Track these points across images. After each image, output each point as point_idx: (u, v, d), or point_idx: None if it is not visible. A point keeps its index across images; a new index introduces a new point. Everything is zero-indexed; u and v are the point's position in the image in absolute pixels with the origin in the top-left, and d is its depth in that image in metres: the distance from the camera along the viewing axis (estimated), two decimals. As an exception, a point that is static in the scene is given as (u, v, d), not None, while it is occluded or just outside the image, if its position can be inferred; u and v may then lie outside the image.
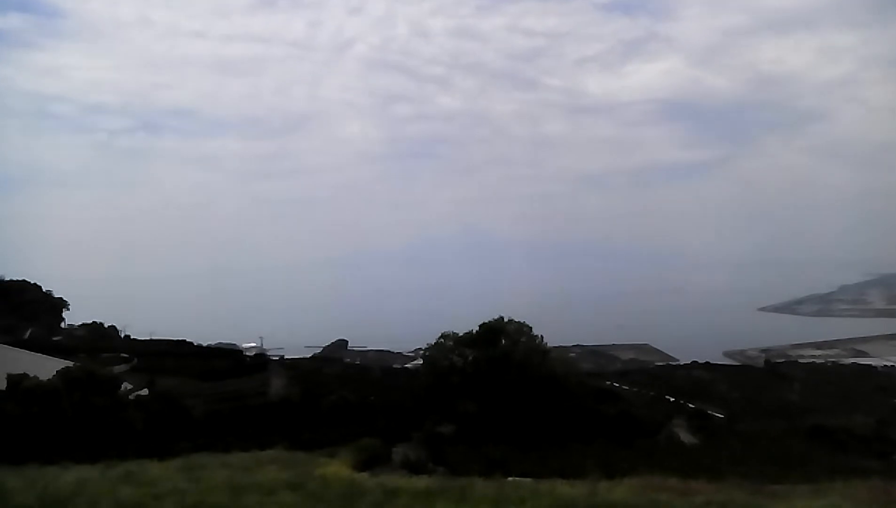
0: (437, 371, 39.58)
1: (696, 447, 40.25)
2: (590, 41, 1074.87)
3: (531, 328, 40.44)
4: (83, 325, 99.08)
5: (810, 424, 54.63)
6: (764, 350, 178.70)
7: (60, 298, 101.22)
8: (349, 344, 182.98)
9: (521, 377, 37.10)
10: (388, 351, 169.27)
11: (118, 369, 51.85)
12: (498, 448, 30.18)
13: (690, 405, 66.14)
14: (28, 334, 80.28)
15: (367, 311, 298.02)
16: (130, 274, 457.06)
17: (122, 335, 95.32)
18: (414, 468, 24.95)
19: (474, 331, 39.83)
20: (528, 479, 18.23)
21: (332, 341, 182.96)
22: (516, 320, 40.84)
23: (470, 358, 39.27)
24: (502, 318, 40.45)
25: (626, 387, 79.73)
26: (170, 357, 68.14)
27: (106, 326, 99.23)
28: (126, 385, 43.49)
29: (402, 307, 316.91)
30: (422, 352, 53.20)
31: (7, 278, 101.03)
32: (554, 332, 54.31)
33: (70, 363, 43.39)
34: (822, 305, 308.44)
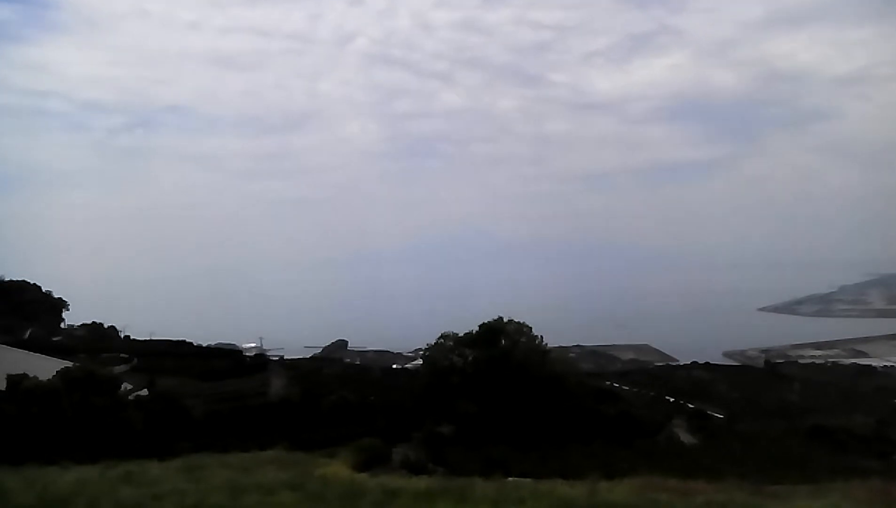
0: (437, 371, 39.59)
1: (695, 447, 40.27)
2: (598, 35, 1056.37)
3: (531, 328, 40.46)
4: (83, 325, 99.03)
5: (810, 424, 54.66)
6: (764, 351, 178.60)
7: (60, 298, 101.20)
8: (349, 344, 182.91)
9: (520, 378, 37.10)
10: (388, 351, 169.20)
11: (118, 369, 51.82)
12: (498, 448, 30.20)
13: (690, 406, 66.16)
14: (28, 334, 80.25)
15: (367, 311, 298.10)
16: (130, 274, 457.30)
17: (122, 336, 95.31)
18: (414, 468, 24.95)
19: (474, 331, 39.82)
20: (528, 479, 18.23)
21: (332, 341, 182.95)
22: (516, 320, 40.83)
23: (470, 358, 39.29)
24: (502, 318, 40.45)
25: (626, 387, 79.72)
26: (170, 357, 68.10)
27: (106, 326, 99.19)
28: (126, 386, 43.48)
29: (402, 307, 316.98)
30: (422, 352, 53.21)
31: (7, 279, 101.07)
32: (554, 332, 54.32)
33: (70, 364, 43.38)
34: (822, 305, 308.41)
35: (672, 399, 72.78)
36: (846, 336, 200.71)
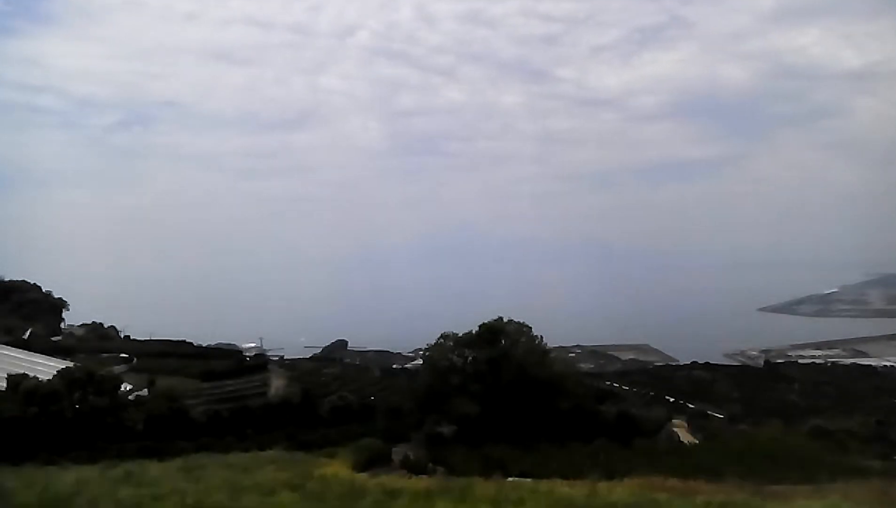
0: (437, 372, 39.51)
1: (695, 447, 40.24)
2: (608, 27, 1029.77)
3: (531, 328, 40.36)
4: (83, 325, 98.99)
5: (810, 424, 54.66)
6: (764, 351, 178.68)
7: (60, 298, 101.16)
8: (349, 345, 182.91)
9: (520, 378, 37.06)
10: (388, 351, 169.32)
11: (118, 369, 51.78)
12: (498, 448, 30.15)
13: (690, 406, 66.22)
14: (28, 334, 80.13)
15: (366, 311, 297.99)
16: (130, 274, 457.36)
17: (122, 336, 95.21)
18: (414, 468, 24.92)
19: (474, 331, 39.77)
20: (528, 479, 18.25)
21: (332, 341, 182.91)
22: (516, 320, 40.78)
23: (470, 358, 39.20)
24: (502, 318, 40.40)
25: (626, 387, 79.86)
26: (169, 358, 68.02)
27: (105, 326, 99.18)
28: (126, 386, 43.48)
29: (402, 307, 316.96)
30: (421, 352, 53.19)
31: (7, 279, 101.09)
32: (554, 332, 54.24)
33: (70, 364, 43.43)
34: (822, 305, 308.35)
35: (672, 399, 72.88)
36: (846, 336, 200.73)
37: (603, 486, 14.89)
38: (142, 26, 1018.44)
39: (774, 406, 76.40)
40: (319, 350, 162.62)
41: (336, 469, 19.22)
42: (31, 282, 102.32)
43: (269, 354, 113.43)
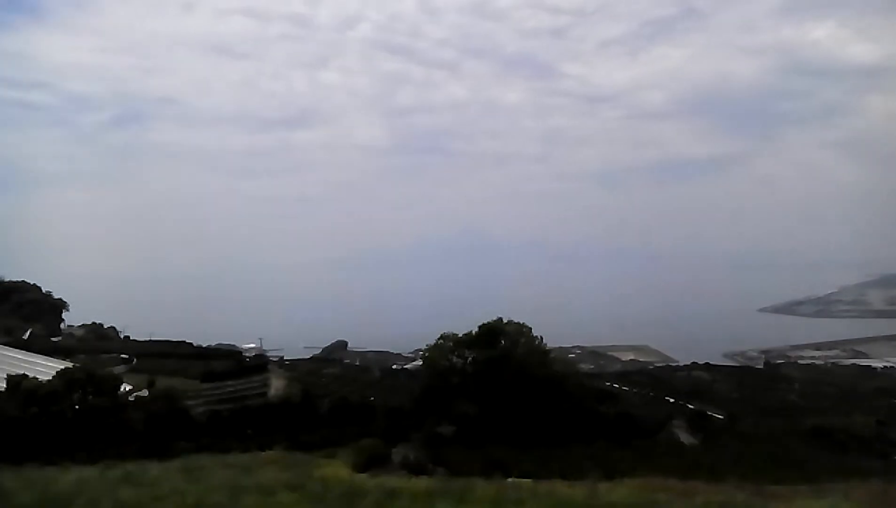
0: (437, 372, 39.56)
1: (695, 447, 40.27)
2: (618, 20, 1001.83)
3: (531, 328, 40.39)
4: (83, 326, 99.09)
5: (810, 424, 54.70)
6: (764, 351, 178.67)
7: (60, 299, 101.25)
8: (349, 345, 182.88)
9: (520, 378, 37.08)
10: (388, 352, 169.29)
11: (118, 370, 51.86)
12: (498, 448, 30.18)
13: (690, 406, 66.16)
14: (28, 334, 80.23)
15: (366, 312, 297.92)
16: (129, 274, 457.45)
17: (122, 336, 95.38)
18: (414, 468, 24.95)
19: (474, 332, 39.79)
20: (528, 480, 18.24)
21: (332, 341, 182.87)
22: (516, 320, 40.80)
23: (469, 359, 39.25)
24: (501, 319, 40.42)
25: (626, 388, 79.83)
26: (169, 358, 68.15)
27: (105, 327, 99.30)
28: (126, 386, 43.51)
29: (402, 308, 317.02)
30: (421, 353, 53.20)
31: (7, 279, 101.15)
32: (554, 333, 54.25)
33: (70, 364, 43.47)
34: (822, 306, 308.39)
35: (672, 400, 72.86)
36: (846, 337, 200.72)
37: (603, 487, 14.89)
38: (136, 17, 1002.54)
39: (774, 407, 76.38)
40: (319, 351, 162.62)
41: (336, 469, 19.22)
42: (31, 283, 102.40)
43: (268, 354, 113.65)
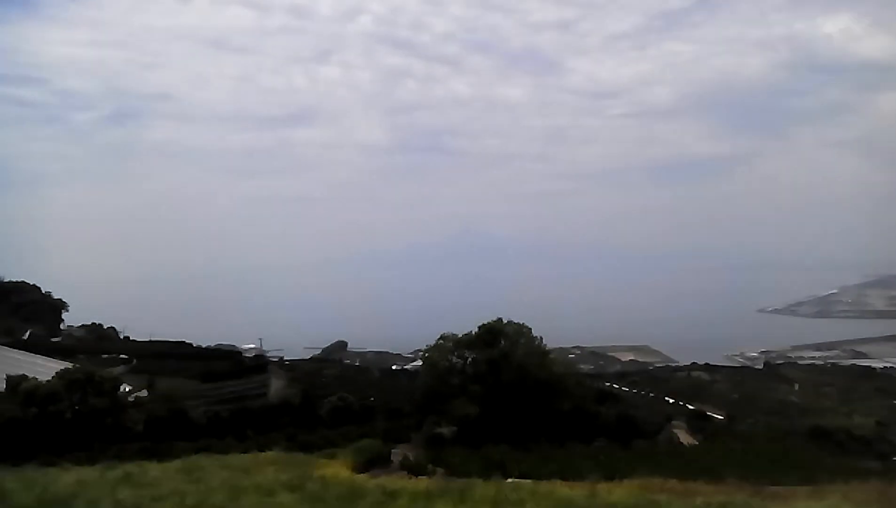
0: (437, 373, 39.52)
1: (695, 448, 40.24)
2: (629, 12, 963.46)
3: (531, 329, 40.36)
4: (82, 326, 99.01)
5: (810, 424, 54.72)
6: (764, 352, 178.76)
7: (60, 299, 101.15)
8: (349, 345, 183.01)
9: (520, 379, 37.06)
10: (388, 352, 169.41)
11: (117, 370, 51.82)
12: (497, 449, 30.15)
13: (690, 407, 66.22)
14: (27, 335, 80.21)
15: (366, 312, 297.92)
16: (129, 275, 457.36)
17: (122, 337, 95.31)
18: (413, 469, 24.91)
19: (474, 332, 39.77)
20: (528, 480, 18.24)
21: (332, 342, 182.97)
22: (515, 321, 40.77)
23: (469, 359, 39.24)
24: (501, 319, 40.39)
25: (626, 388, 79.92)
26: (169, 359, 68.15)
27: (105, 327, 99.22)
28: (125, 387, 43.48)
29: (402, 308, 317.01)
30: (421, 353, 53.19)
31: (6, 280, 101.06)
32: (554, 333, 54.26)
33: (69, 365, 43.38)
34: (822, 306, 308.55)
35: (672, 400, 72.93)
36: (846, 338, 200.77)
37: (603, 487, 14.90)
38: (131, 9, 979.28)
39: (774, 407, 76.47)
40: (319, 351, 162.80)
41: (336, 469, 19.21)
42: (31, 283, 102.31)
43: (268, 355, 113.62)
